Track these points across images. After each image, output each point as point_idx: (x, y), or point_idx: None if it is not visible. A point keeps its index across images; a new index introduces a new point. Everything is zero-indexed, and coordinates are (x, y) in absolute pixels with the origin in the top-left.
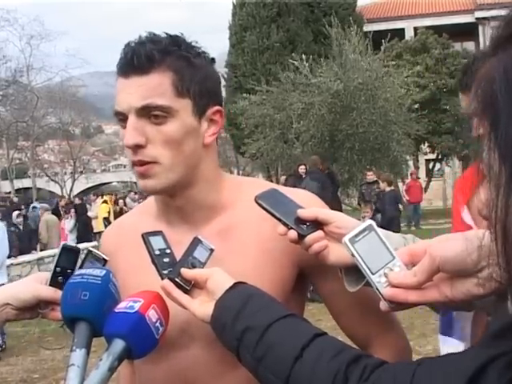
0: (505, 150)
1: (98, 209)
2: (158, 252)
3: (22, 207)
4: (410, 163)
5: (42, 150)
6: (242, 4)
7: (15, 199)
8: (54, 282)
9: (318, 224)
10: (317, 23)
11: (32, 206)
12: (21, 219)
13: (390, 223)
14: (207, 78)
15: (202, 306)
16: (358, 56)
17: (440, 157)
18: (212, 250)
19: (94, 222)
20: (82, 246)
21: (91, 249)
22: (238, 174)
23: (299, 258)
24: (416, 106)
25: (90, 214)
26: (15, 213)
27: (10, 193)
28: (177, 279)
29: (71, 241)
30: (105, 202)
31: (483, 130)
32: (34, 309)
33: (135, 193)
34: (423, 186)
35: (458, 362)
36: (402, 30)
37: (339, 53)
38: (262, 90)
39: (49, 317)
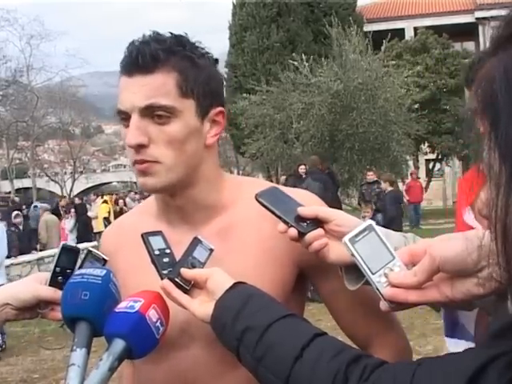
0: (505, 150)
1: (98, 209)
2: (157, 252)
3: (24, 207)
4: (410, 163)
5: (41, 149)
6: (242, 4)
7: (16, 199)
8: (53, 282)
9: (318, 222)
10: (317, 23)
11: (33, 205)
12: (19, 219)
13: (391, 223)
14: (211, 78)
15: (202, 306)
16: (358, 56)
17: (440, 157)
18: (212, 250)
19: (94, 222)
20: (81, 245)
21: (91, 249)
22: (238, 173)
23: (300, 257)
24: (416, 106)
25: (90, 213)
26: (14, 213)
27: (9, 193)
28: (176, 279)
29: (71, 241)
30: (105, 201)
31: (483, 129)
32: (33, 309)
33: (135, 193)
34: (423, 185)
35: (458, 362)
36: (402, 30)
37: (339, 53)
38: (261, 90)
39: (48, 317)
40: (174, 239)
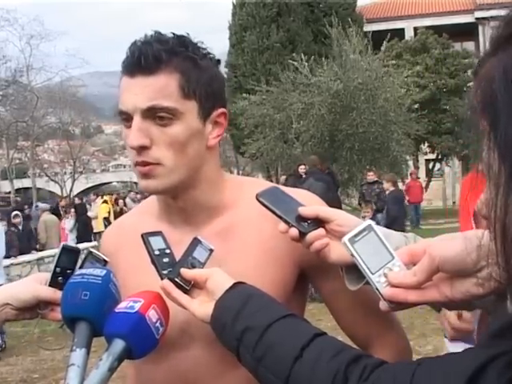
0: (504, 150)
1: (98, 209)
2: (157, 252)
3: (26, 207)
4: (410, 163)
5: (41, 149)
6: (242, 4)
7: (18, 199)
8: (53, 283)
9: (319, 222)
10: (317, 23)
11: (35, 205)
12: (18, 219)
13: (393, 223)
14: (213, 80)
15: (202, 306)
16: (357, 56)
17: (440, 157)
18: (211, 251)
19: (94, 222)
20: (81, 246)
21: (91, 250)
22: (238, 174)
23: (300, 257)
24: (416, 106)
25: (89, 213)
26: (13, 213)
27: (9, 193)
28: (176, 279)
29: (71, 241)
30: (105, 202)
31: (483, 129)
32: (33, 309)
33: (135, 193)
34: (423, 185)
35: (457, 362)
36: (402, 30)
37: (339, 53)
38: (261, 90)
39: (48, 317)
40: (174, 239)
